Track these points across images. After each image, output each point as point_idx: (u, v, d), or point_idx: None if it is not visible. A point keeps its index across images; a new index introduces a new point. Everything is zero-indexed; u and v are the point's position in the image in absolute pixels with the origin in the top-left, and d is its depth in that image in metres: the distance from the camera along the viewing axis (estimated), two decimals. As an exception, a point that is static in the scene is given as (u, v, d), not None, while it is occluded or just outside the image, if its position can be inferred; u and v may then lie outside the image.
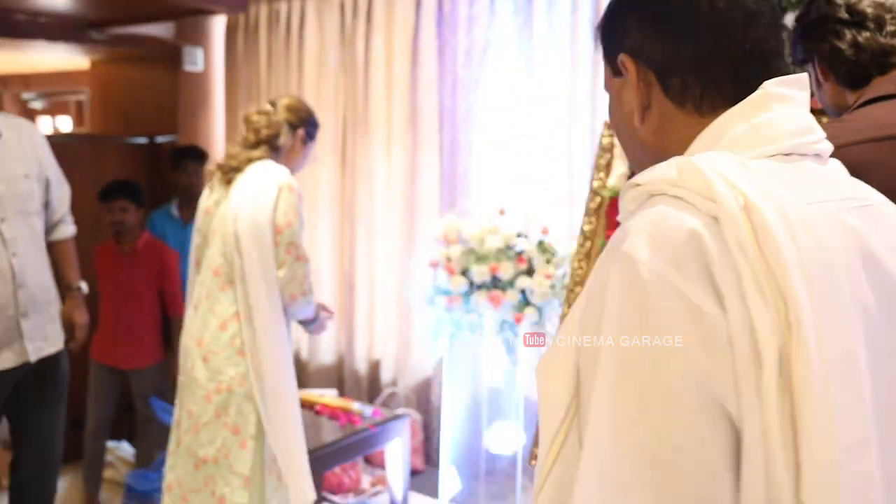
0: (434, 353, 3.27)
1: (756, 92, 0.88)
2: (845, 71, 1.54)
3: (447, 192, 3.91)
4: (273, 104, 2.59)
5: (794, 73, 0.91)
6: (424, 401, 3.98)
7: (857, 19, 1.52)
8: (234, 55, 4.63)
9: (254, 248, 2.35)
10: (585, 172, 3.41)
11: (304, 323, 2.69)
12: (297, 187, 2.44)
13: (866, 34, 1.52)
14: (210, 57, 4.38)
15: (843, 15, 1.53)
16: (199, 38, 4.34)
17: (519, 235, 3.09)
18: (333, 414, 3.35)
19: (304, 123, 2.59)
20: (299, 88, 4.32)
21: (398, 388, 4.03)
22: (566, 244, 3.22)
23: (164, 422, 3.12)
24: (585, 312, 0.83)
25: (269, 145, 2.51)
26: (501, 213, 3.18)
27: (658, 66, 0.92)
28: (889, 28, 1.52)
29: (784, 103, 0.88)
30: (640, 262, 0.77)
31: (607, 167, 3.08)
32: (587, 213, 3.08)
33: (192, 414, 2.44)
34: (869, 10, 1.52)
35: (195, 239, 2.60)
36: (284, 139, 2.54)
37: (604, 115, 3.38)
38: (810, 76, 1.60)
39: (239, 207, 2.39)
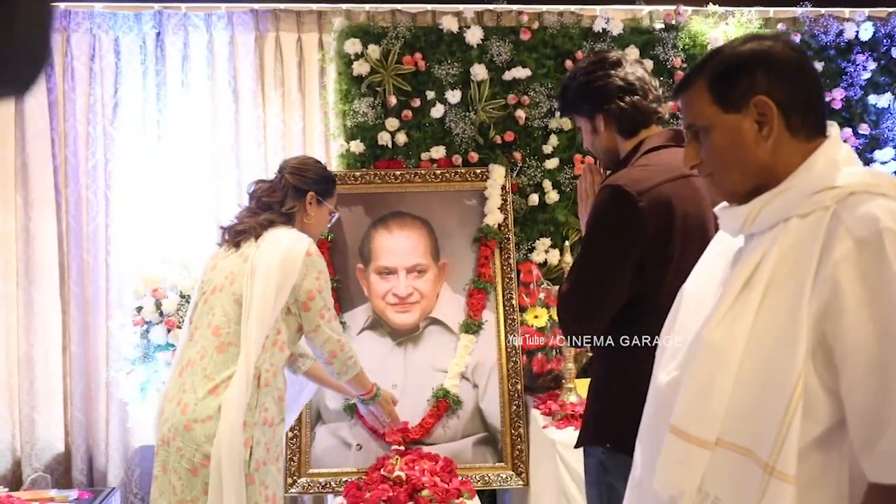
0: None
1: (832, 129, 1.46)
2: (626, 124, 2.00)
3: (75, 251, 3.74)
4: (281, 168, 2.50)
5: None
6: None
7: (630, 88, 1.99)
8: None
9: (268, 313, 2.21)
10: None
11: (364, 401, 2.68)
12: (317, 252, 2.34)
13: (637, 98, 1.98)
14: None
15: (621, 83, 1.99)
16: None
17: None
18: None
19: (312, 185, 2.46)
20: None
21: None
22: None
23: None
24: (877, 308, 1.11)
25: (276, 211, 2.39)
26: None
27: (783, 104, 1.27)
28: (650, 96, 2.02)
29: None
30: None
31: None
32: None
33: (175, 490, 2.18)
34: (636, 82, 2.00)
35: (193, 296, 2.36)
36: (291, 204, 2.42)
37: (252, 168, 3.74)
38: (586, 126, 2.08)
39: (257, 270, 2.24)
